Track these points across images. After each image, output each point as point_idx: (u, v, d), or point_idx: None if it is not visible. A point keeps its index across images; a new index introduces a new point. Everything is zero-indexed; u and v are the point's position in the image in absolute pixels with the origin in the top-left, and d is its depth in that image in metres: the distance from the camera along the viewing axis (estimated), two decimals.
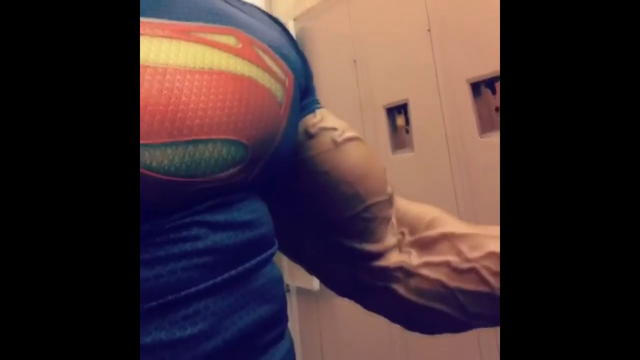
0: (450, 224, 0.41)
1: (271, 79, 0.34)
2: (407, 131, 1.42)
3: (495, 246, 0.38)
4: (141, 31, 0.29)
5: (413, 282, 0.40)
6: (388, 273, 0.41)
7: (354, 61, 1.55)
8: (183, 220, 0.29)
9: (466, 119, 1.25)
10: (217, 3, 0.36)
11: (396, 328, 0.44)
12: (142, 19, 0.30)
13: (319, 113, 0.43)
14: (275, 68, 0.35)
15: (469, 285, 0.38)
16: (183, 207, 0.29)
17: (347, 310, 1.63)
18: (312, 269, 0.46)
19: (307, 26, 1.73)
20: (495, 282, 0.37)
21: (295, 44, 0.42)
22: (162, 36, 0.30)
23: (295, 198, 0.43)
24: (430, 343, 1.26)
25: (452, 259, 0.39)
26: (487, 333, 1.10)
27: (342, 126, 0.42)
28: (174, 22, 0.31)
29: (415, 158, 1.38)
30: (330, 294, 1.78)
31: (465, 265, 0.38)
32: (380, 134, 1.45)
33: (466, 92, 1.24)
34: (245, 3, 0.41)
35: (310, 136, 0.41)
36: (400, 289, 0.40)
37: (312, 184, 0.41)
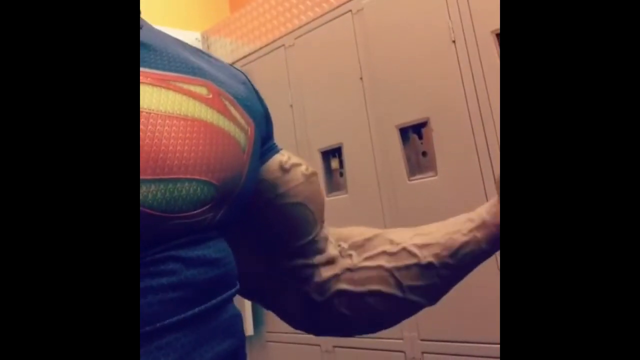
0: (376, 229, 0.49)
1: (236, 128, 0.38)
2: (341, 174, 1.46)
3: (413, 234, 0.46)
4: None
5: (357, 275, 0.46)
6: (337, 277, 0.46)
7: (291, 106, 1.59)
8: (161, 255, 0.31)
9: (396, 162, 1.30)
10: (190, 57, 0.40)
11: None
12: None
13: (285, 152, 0.48)
14: (239, 118, 0.39)
15: (402, 261, 0.45)
16: (161, 241, 0.32)
17: (279, 355, 1.58)
18: (268, 303, 0.50)
19: (244, 70, 1.75)
20: (420, 253, 0.44)
21: (257, 94, 0.47)
22: (145, 83, 0.33)
23: (259, 236, 0.47)
24: None
25: (386, 247, 0.46)
26: None
27: (303, 162, 0.48)
28: (155, 71, 0.35)
29: (348, 199, 1.41)
30: (262, 339, 1.72)
31: (396, 248, 0.45)
32: None
33: (395, 137, 1.30)
34: (213, 57, 0.45)
35: (285, 171, 0.45)
36: (348, 286, 0.46)
37: (282, 216, 0.45)
